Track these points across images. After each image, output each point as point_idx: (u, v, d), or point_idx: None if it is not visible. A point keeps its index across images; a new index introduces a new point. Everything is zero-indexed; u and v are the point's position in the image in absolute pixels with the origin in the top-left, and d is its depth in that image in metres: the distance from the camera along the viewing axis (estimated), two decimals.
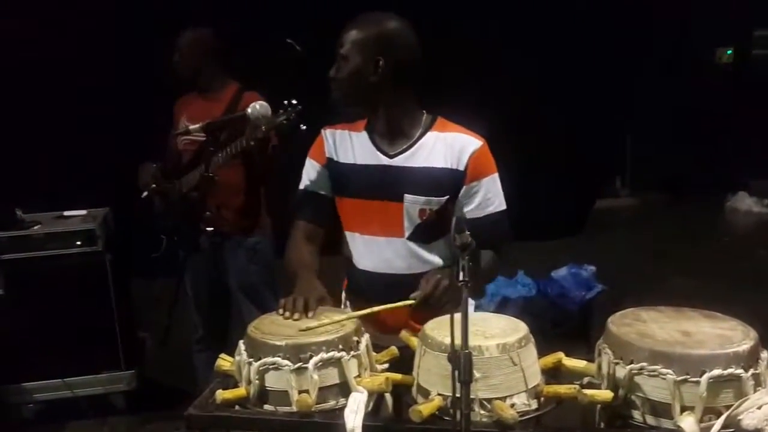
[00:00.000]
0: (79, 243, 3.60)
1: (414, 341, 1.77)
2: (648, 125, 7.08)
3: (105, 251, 3.63)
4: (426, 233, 2.07)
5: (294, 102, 2.83)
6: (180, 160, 3.38)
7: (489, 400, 1.55)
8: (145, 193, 3.40)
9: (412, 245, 2.08)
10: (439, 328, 1.67)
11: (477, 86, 4.85)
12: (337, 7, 2.79)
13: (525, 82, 5.60)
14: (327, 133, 2.20)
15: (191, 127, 3.25)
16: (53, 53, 4.30)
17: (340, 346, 1.68)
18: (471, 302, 2.25)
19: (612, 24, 5.93)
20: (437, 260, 2.08)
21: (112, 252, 3.65)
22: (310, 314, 1.83)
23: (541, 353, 1.71)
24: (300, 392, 1.63)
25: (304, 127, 2.80)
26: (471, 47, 5.24)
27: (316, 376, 1.63)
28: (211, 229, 3.26)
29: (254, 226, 3.40)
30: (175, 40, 3.35)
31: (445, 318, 1.68)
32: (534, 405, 1.61)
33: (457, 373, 1.37)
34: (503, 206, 2.09)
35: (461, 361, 1.37)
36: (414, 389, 1.68)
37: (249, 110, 2.68)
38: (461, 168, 2.03)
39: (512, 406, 1.56)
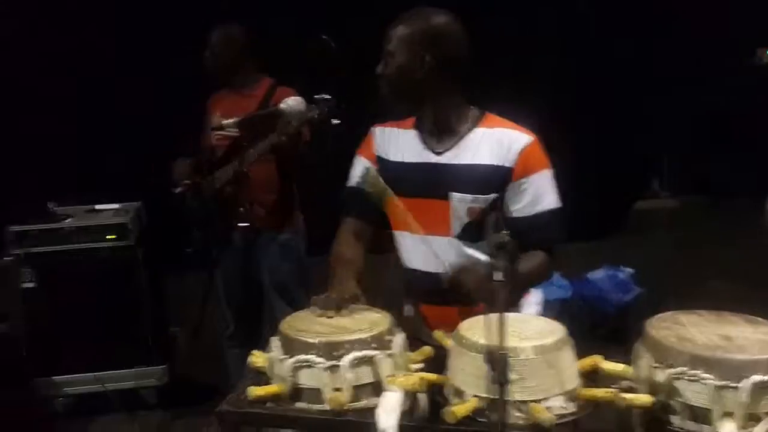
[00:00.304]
0: (111, 237, 3.61)
1: (448, 341, 1.75)
2: (686, 126, 6.97)
3: (137, 246, 3.64)
4: (474, 232, 2.02)
5: (327, 97, 2.82)
6: (213, 155, 3.39)
7: (525, 403, 1.53)
8: (179, 189, 3.41)
9: (461, 244, 2.05)
10: (474, 329, 1.65)
11: (509, 84, 4.81)
12: (375, 3, 2.78)
13: (560, 79, 5.54)
14: (377, 131, 2.20)
15: (224, 122, 3.25)
16: (85, 47, 4.34)
17: (374, 345, 1.67)
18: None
19: (650, 23, 5.85)
20: (486, 260, 2.03)
21: (144, 246, 3.67)
22: (342, 312, 1.82)
23: (578, 356, 1.68)
24: (333, 390, 1.62)
25: (337, 122, 2.79)
26: (513, 45, 5.21)
27: (349, 375, 1.62)
28: (244, 224, 3.26)
29: (286, 222, 3.41)
30: (208, 37, 3.37)
31: (481, 318, 1.66)
32: (570, 408, 1.58)
33: (493, 374, 1.35)
34: (555, 204, 2.04)
35: (498, 363, 1.35)
36: (448, 390, 1.66)
37: (282, 105, 2.67)
38: (509, 164, 1.99)
39: (548, 408, 1.53)
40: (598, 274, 4.45)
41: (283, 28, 4.34)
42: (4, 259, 3.57)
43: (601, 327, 4.18)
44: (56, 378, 3.63)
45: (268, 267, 3.38)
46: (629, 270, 4.48)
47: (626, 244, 6.04)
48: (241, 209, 3.23)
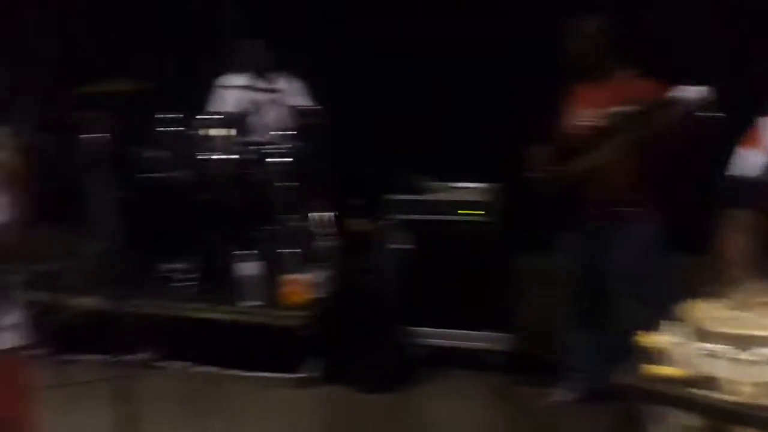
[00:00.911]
0: (472, 212, 4.00)
1: None
2: None
3: (495, 222, 3.96)
4: None
5: (705, 88, 2.80)
6: (574, 145, 3.48)
7: None
8: (537, 174, 3.58)
9: None
10: None
11: None
12: None
13: None
14: (766, 122, 2.18)
15: (592, 113, 3.37)
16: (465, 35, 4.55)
17: None
18: None
19: None
20: None
21: (501, 224, 3.97)
22: (754, 308, 1.83)
23: None
24: (738, 383, 1.66)
25: (719, 115, 2.75)
26: None
27: (758, 370, 1.66)
28: (599, 213, 3.37)
29: (643, 214, 3.39)
30: (572, 29, 3.47)
31: None
32: None
33: None
34: None
35: None
36: None
37: (676, 95, 2.70)
38: None
39: None
40: None
41: (644, 21, 4.27)
42: (380, 222, 4.13)
43: None
44: (421, 329, 4.06)
45: (620, 256, 3.40)
46: None
47: None
48: (596, 198, 3.34)
